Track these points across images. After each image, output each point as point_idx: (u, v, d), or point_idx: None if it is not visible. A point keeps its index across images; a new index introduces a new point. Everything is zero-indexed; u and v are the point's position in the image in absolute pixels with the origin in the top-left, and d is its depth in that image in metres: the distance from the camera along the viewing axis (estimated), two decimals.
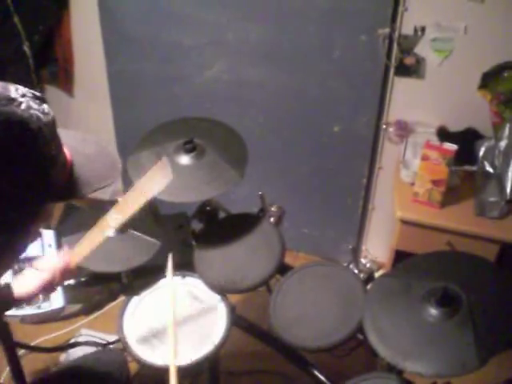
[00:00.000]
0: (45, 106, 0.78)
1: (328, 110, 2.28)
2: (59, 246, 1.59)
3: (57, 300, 2.19)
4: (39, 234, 0.88)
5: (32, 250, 1.84)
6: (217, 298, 1.54)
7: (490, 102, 2.01)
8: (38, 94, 0.79)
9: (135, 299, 1.55)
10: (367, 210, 2.49)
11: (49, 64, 2.66)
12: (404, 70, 2.07)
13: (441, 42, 1.98)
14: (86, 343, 1.78)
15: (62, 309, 2.23)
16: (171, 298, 1.43)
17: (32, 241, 0.86)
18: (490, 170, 1.97)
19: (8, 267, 0.88)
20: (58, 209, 2.28)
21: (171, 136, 1.65)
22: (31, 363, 2.04)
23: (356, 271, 1.52)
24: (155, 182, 1.21)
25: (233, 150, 1.64)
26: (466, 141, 2.04)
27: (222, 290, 1.54)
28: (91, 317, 2.32)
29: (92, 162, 0.90)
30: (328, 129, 2.31)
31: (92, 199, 1.11)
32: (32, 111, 0.74)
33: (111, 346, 1.58)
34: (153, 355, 1.40)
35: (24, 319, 2.12)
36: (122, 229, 1.41)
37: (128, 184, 1.26)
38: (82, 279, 1.91)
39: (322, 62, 2.17)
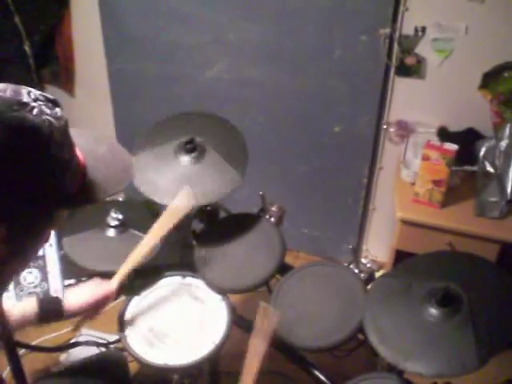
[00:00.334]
0: (57, 109, 0.77)
1: (328, 110, 2.28)
2: (60, 246, 1.59)
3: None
4: (49, 239, 0.87)
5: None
6: (217, 297, 1.54)
7: (490, 102, 2.01)
8: (50, 97, 0.77)
9: (136, 299, 1.55)
10: (368, 210, 2.49)
11: (49, 63, 2.66)
12: (405, 70, 2.07)
13: (441, 42, 1.98)
14: (87, 343, 1.77)
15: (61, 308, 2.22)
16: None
17: (43, 245, 0.86)
18: (491, 170, 1.97)
19: (19, 271, 0.88)
20: None
21: (171, 135, 1.65)
22: (31, 363, 2.04)
23: (356, 271, 1.52)
24: (180, 208, 1.43)
25: (233, 150, 1.64)
26: (467, 141, 2.04)
27: (222, 290, 1.54)
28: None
29: (105, 164, 0.89)
30: (328, 129, 2.31)
31: None
32: (44, 116, 0.73)
33: (112, 347, 1.58)
34: (153, 355, 1.40)
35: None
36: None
37: (129, 183, 1.26)
38: (82, 279, 1.91)
39: (322, 62, 2.17)
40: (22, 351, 1.95)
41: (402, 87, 2.12)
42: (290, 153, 2.46)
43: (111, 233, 1.58)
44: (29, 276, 1.60)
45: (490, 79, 1.97)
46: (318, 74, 2.21)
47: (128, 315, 1.50)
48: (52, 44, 2.59)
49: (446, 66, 2.02)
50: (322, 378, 1.53)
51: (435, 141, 1.99)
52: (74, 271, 1.73)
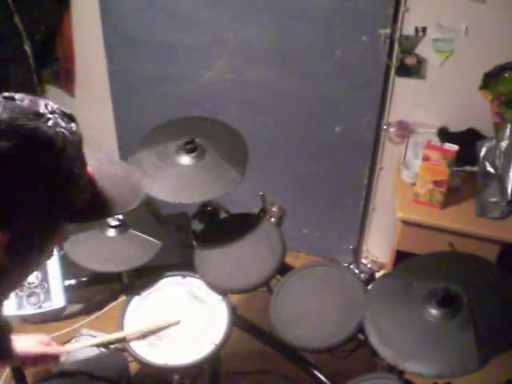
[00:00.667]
0: (73, 124, 0.76)
1: (329, 111, 2.28)
2: (60, 246, 1.59)
3: (58, 300, 2.19)
4: (53, 254, 0.86)
5: None
6: (217, 298, 1.54)
7: (491, 103, 2.01)
8: (67, 111, 0.77)
9: (136, 299, 1.55)
10: (368, 211, 2.49)
11: (50, 64, 2.66)
12: (405, 71, 2.07)
13: (442, 42, 1.97)
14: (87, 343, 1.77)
15: (63, 309, 2.23)
16: None
17: (46, 259, 0.85)
18: (491, 170, 1.97)
19: (18, 285, 0.87)
20: None
21: (172, 136, 1.65)
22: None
23: (357, 271, 1.52)
24: None
25: (233, 150, 1.64)
26: (467, 141, 2.04)
27: (222, 290, 1.54)
28: (92, 317, 2.32)
29: (115, 185, 0.88)
30: (329, 129, 2.30)
31: None
32: (59, 129, 0.72)
33: (112, 347, 1.58)
34: (153, 355, 1.40)
35: (25, 319, 2.12)
36: None
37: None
38: (83, 279, 1.91)
39: (322, 63, 2.17)
40: None
41: (402, 87, 2.12)
42: (291, 153, 2.46)
43: (111, 233, 1.58)
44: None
45: (490, 79, 1.97)
46: (319, 74, 2.20)
47: (129, 315, 1.50)
48: (52, 44, 2.59)
49: (447, 66, 2.02)
50: (322, 378, 1.53)
51: (436, 141, 1.99)
52: (73, 271, 1.73)
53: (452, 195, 1.99)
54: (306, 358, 1.58)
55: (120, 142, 2.74)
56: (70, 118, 0.77)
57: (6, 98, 0.72)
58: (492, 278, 1.30)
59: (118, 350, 1.49)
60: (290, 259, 1.64)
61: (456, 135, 2.09)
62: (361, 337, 1.37)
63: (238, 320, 1.60)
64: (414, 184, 2.04)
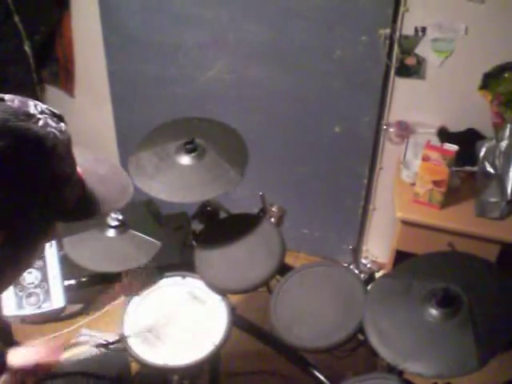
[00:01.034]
0: (62, 124, 0.77)
1: (329, 111, 2.28)
2: (60, 246, 1.59)
3: (57, 300, 2.19)
4: (44, 252, 0.86)
5: None
6: (217, 298, 1.54)
7: (490, 103, 2.01)
8: (56, 112, 0.78)
9: (136, 299, 1.55)
10: (368, 211, 2.49)
11: (49, 64, 2.66)
12: (405, 71, 2.07)
13: (441, 42, 1.97)
14: (87, 343, 1.77)
15: (63, 309, 2.23)
16: None
17: (37, 258, 0.86)
18: (491, 170, 1.97)
19: (10, 283, 0.87)
20: None
21: (172, 136, 1.65)
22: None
23: (356, 271, 1.52)
24: None
25: (233, 150, 1.64)
26: (467, 141, 2.04)
27: (222, 291, 1.54)
28: (92, 317, 2.32)
29: (104, 184, 0.89)
30: (329, 129, 2.31)
31: None
32: (49, 129, 0.73)
33: (112, 347, 1.58)
34: (153, 355, 1.40)
35: (24, 319, 2.12)
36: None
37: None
38: (83, 279, 1.91)
39: (322, 63, 2.17)
40: None
41: (402, 88, 2.12)
42: (290, 153, 2.46)
43: (111, 233, 1.58)
44: (29, 276, 1.61)
45: (490, 80, 1.97)
46: (318, 74, 2.21)
47: (128, 315, 1.50)
48: (52, 44, 2.59)
49: (446, 66, 2.02)
50: (322, 378, 1.53)
51: (435, 141, 1.99)
52: (73, 271, 1.73)
53: (452, 195, 1.99)
54: (306, 358, 1.58)
55: (120, 142, 2.74)
56: (59, 118, 0.78)
57: None
58: (492, 278, 1.30)
59: (118, 350, 1.49)
60: (289, 259, 1.64)
61: (456, 135, 2.09)
62: (360, 337, 1.37)
63: (237, 320, 1.60)
64: (413, 184, 2.04)
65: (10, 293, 1.56)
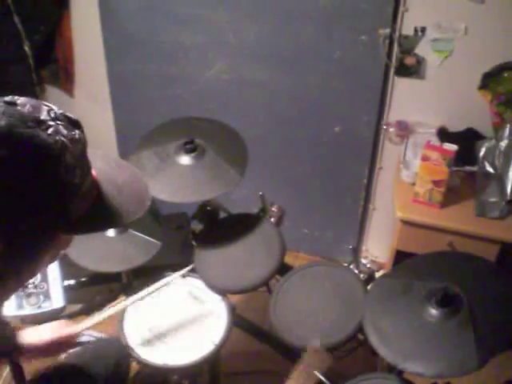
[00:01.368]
0: (76, 131, 0.74)
1: (328, 110, 2.28)
2: None
3: (57, 300, 2.19)
4: (53, 261, 0.83)
5: None
6: (217, 298, 1.54)
7: (490, 103, 2.01)
8: (72, 117, 0.75)
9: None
10: (367, 210, 2.49)
11: (49, 64, 2.66)
12: (404, 71, 2.07)
13: (441, 42, 1.97)
14: (87, 343, 1.78)
15: (63, 309, 2.23)
16: None
17: (43, 268, 0.82)
18: (491, 170, 1.97)
19: (12, 293, 0.85)
20: None
21: (172, 136, 1.65)
22: (31, 363, 2.03)
23: (356, 271, 1.52)
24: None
25: (233, 150, 1.64)
26: (467, 141, 2.04)
27: (222, 290, 1.54)
28: (92, 316, 2.32)
29: (122, 193, 0.85)
30: (328, 129, 2.31)
31: None
32: (58, 137, 0.70)
33: (107, 336, 1.56)
34: (153, 355, 1.40)
35: (24, 319, 2.12)
36: None
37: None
38: (83, 279, 1.91)
39: (322, 62, 2.17)
40: None
41: (401, 87, 2.12)
42: (290, 153, 2.46)
43: (111, 233, 1.59)
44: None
45: (489, 79, 1.97)
46: (318, 74, 2.21)
47: (128, 315, 1.50)
48: (52, 44, 2.59)
49: (446, 66, 2.02)
50: (322, 378, 1.53)
51: (435, 141, 1.99)
52: (73, 271, 1.73)
53: (451, 195, 1.99)
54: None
55: (120, 142, 2.74)
56: (75, 125, 0.75)
57: (7, 102, 0.70)
58: (491, 278, 1.30)
59: (114, 338, 1.47)
60: (289, 259, 1.65)
61: (455, 135, 2.09)
62: (360, 337, 1.37)
63: (237, 320, 1.60)
64: (413, 184, 2.04)
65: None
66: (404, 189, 2.09)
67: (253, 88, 2.33)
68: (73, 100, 2.75)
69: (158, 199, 1.54)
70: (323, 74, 2.19)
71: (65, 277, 1.72)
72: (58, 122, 0.72)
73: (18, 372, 1.46)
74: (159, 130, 1.73)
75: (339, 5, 2.02)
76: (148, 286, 1.47)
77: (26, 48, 2.51)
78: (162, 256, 1.58)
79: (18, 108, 0.70)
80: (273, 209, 1.70)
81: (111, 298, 2.34)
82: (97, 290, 2.37)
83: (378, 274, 1.53)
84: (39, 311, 2.17)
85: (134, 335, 1.45)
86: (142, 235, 1.59)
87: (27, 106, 0.70)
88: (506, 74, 1.94)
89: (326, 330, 1.39)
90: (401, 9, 1.94)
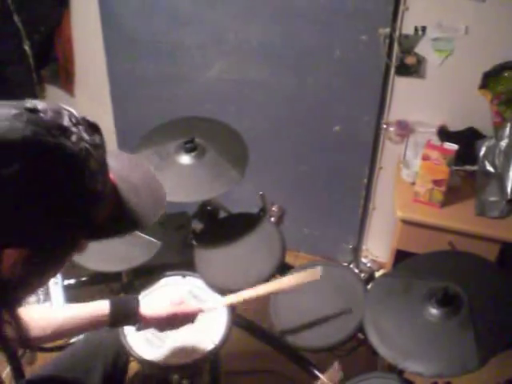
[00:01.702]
0: (96, 136, 0.74)
1: (329, 110, 2.28)
2: None
3: (57, 299, 2.19)
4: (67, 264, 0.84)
5: None
6: (217, 297, 1.54)
7: (490, 102, 2.01)
8: (91, 121, 0.75)
9: None
10: (368, 210, 2.49)
11: (49, 63, 2.66)
12: (405, 70, 2.07)
13: (442, 41, 1.97)
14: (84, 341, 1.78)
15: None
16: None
17: (60, 270, 0.84)
18: (491, 169, 1.97)
19: (33, 293, 0.86)
20: None
21: (172, 136, 1.65)
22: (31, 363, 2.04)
23: (357, 271, 1.52)
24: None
25: (233, 149, 1.64)
26: (467, 140, 2.04)
27: (222, 290, 1.54)
28: None
29: (138, 195, 0.85)
30: (329, 128, 2.31)
31: None
32: (82, 144, 0.71)
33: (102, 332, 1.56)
34: (153, 355, 1.40)
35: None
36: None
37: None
38: (83, 278, 1.91)
39: (322, 62, 2.17)
40: (22, 351, 1.95)
41: (402, 87, 2.12)
42: (290, 153, 2.46)
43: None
44: None
45: (490, 79, 1.97)
46: (318, 73, 2.21)
47: None
48: (52, 44, 2.59)
49: (447, 65, 2.02)
50: (323, 377, 1.53)
51: (435, 140, 1.99)
52: (74, 271, 1.73)
53: (452, 194, 1.99)
54: (306, 358, 1.58)
55: (120, 142, 2.74)
56: (94, 129, 0.75)
57: (29, 110, 0.69)
58: (491, 278, 1.30)
59: (110, 332, 1.47)
60: (289, 259, 1.64)
61: (456, 134, 2.09)
62: (361, 336, 1.37)
63: (237, 319, 1.60)
64: (413, 183, 2.04)
65: None
66: (404, 188, 2.09)
67: (253, 88, 2.33)
68: (73, 99, 2.75)
69: None
70: (323, 73, 2.19)
71: (65, 276, 1.71)
72: (80, 128, 0.72)
73: (18, 373, 1.46)
74: (159, 129, 1.73)
75: (339, 4, 2.02)
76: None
77: (26, 47, 2.51)
78: (163, 255, 1.58)
79: (41, 115, 0.69)
80: (273, 208, 1.70)
81: (111, 297, 2.34)
82: (97, 289, 2.37)
83: (378, 274, 1.53)
84: None
85: (134, 334, 1.45)
86: (143, 235, 1.59)
87: (49, 113, 0.70)
88: (506, 74, 1.94)
89: (326, 329, 1.39)
90: (401, 8, 1.94)
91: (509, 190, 1.91)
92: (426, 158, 1.92)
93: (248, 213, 1.72)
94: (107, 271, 1.60)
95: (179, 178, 1.58)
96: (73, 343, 1.53)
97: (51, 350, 1.94)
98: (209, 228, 1.73)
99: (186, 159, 1.59)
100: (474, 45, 1.94)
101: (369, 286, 1.46)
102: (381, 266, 1.56)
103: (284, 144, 2.44)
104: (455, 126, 2.11)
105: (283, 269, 1.58)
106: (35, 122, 0.67)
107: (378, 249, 2.55)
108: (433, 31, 1.96)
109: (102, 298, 1.28)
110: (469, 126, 2.09)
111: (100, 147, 0.75)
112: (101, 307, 1.23)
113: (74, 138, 0.70)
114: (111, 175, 0.81)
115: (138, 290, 1.55)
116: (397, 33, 1.99)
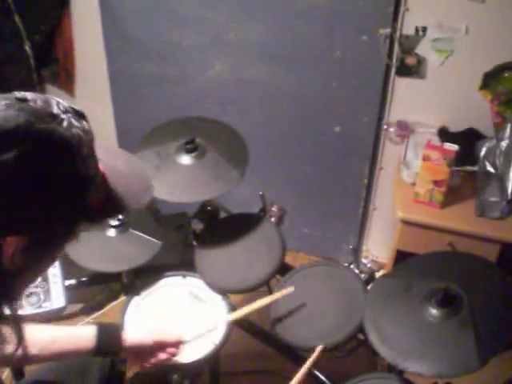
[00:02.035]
0: (84, 122, 0.76)
1: (329, 110, 2.28)
2: None
3: (58, 299, 2.19)
4: (63, 253, 0.86)
5: None
6: (217, 297, 1.54)
7: (490, 102, 2.01)
8: (78, 109, 0.76)
9: (136, 299, 1.55)
10: (368, 210, 2.49)
11: (50, 64, 2.66)
12: (405, 70, 2.07)
13: (442, 42, 1.97)
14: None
15: (63, 308, 2.23)
16: None
17: (57, 259, 0.84)
18: (491, 170, 1.97)
19: (31, 283, 0.87)
20: None
21: (172, 136, 1.65)
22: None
23: (357, 271, 1.52)
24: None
25: (233, 149, 1.64)
26: (467, 141, 2.04)
27: (222, 290, 1.54)
28: (92, 316, 2.32)
29: (126, 180, 0.87)
30: (329, 129, 2.31)
31: None
32: (74, 130, 0.72)
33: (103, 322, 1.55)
34: None
35: (25, 319, 2.12)
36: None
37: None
38: (83, 279, 1.91)
39: (323, 62, 2.17)
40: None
41: (402, 87, 2.12)
42: (291, 153, 2.46)
43: (111, 233, 1.58)
44: None
45: (490, 79, 1.97)
46: (319, 74, 2.21)
47: (129, 315, 1.50)
48: (52, 44, 2.59)
49: (447, 65, 2.02)
50: (322, 377, 1.53)
51: (436, 141, 1.99)
52: (73, 271, 1.73)
53: (452, 195, 1.99)
54: (306, 358, 1.57)
55: (120, 142, 2.74)
56: (81, 116, 0.76)
57: (19, 99, 0.70)
58: (492, 278, 1.30)
59: (110, 323, 1.47)
60: (289, 259, 1.64)
61: (456, 135, 2.09)
62: (361, 336, 1.37)
63: (238, 320, 1.60)
64: (414, 184, 2.04)
65: None
66: (404, 189, 2.09)
67: (253, 88, 2.33)
68: (73, 100, 2.75)
69: (158, 199, 1.54)
70: (324, 73, 2.19)
71: (65, 277, 1.71)
72: (69, 115, 0.73)
73: (18, 373, 1.46)
74: (159, 129, 1.72)
75: (340, 4, 2.02)
76: None
77: (27, 48, 2.51)
78: (163, 256, 1.58)
79: (31, 104, 0.70)
80: (273, 209, 1.70)
81: (112, 297, 2.35)
82: (97, 289, 2.37)
83: (378, 274, 1.53)
84: (39, 311, 2.17)
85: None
86: (143, 235, 1.59)
87: (38, 101, 0.71)
88: (506, 74, 1.94)
89: (326, 329, 1.39)
90: (402, 8, 1.94)
91: (509, 190, 1.91)
92: (426, 158, 1.92)
93: (248, 213, 1.72)
94: (107, 271, 1.60)
95: (179, 179, 1.58)
96: None
97: None
98: (209, 228, 1.73)
99: (186, 159, 1.59)
100: (474, 45, 1.94)
101: (369, 287, 1.46)
102: (381, 267, 1.56)
103: (284, 144, 2.44)
104: (455, 126, 2.11)
105: (283, 269, 1.57)
106: (27, 110, 0.69)
107: (378, 249, 2.55)
108: (433, 32, 1.96)
109: (102, 298, 1.28)
110: (469, 127, 2.09)
111: (89, 133, 0.76)
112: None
113: (65, 123, 0.71)
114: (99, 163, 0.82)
115: (138, 290, 1.55)
116: (397, 33, 1.99)
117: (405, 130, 2.17)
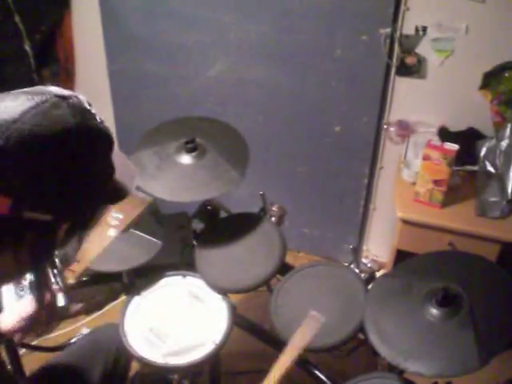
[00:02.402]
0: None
1: (329, 110, 2.28)
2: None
3: (58, 299, 2.19)
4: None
5: None
6: (218, 297, 1.54)
7: (490, 102, 2.01)
8: (87, 100, 0.79)
9: (136, 299, 1.55)
10: (368, 210, 2.49)
11: (50, 64, 2.66)
12: (405, 70, 2.07)
13: (442, 41, 1.97)
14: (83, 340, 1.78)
15: (63, 308, 2.23)
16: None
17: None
18: (492, 169, 1.97)
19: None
20: None
21: (172, 136, 1.65)
22: (32, 363, 2.04)
23: (357, 271, 1.52)
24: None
25: (234, 149, 1.64)
26: (467, 141, 2.04)
27: (222, 290, 1.54)
28: (92, 316, 2.32)
29: (119, 168, 0.91)
30: (329, 129, 2.31)
31: None
32: (104, 123, 0.76)
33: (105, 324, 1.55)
34: (153, 355, 1.40)
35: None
36: None
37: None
38: (84, 279, 1.91)
39: (323, 62, 2.17)
40: (22, 351, 1.95)
41: (402, 87, 2.12)
42: (291, 153, 2.46)
43: (111, 233, 1.58)
44: (29, 275, 1.60)
45: (490, 79, 1.97)
46: (319, 73, 2.21)
47: (129, 315, 1.50)
48: (53, 44, 2.59)
49: (447, 65, 2.02)
50: (323, 377, 1.53)
51: (436, 140, 1.99)
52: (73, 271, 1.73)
53: (452, 195, 1.99)
54: (306, 358, 1.58)
55: (120, 142, 2.74)
56: (91, 106, 0.80)
57: (63, 97, 0.72)
58: (492, 278, 1.30)
59: (110, 331, 1.47)
60: (290, 259, 1.64)
61: (456, 134, 2.09)
62: (361, 336, 1.37)
63: (238, 319, 1.60)
64: (414, 183, 2.04)
65: (10, 292, 1.56)
66: (405, 188, 2.09)
67: (253, 87, 2.33)
68: None
69: (158, 199, 1.55)
70: (324, 73, 2.19)
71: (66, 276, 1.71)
72: (94, 110, 0.77)
73: (18, 373, 1.46)
74: (159, 129, 1.72)
75: (340, 4, 2.02)
76: None
77: (27, 47, 2.51)
78: (163, 255, 1.58)
79: (71, 101, 0.73)
80: (273, 208, 1.70)
81: (112, 297, 2.35)
82: (98, 289, 2.37)
83: (378, 274, 1.53)
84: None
85: (135, 334, 1.45)
86: (143, 235, 1.59)
87: (73, 98, 0.74)
88: (506, 74, 1.94)
89: (326, 329, 1.39)
90: (402, 8, 1.94)
91: (509, 190, 1.91)
92: (426, 158, 1.92)
93: (248, 213, 1.72)
94: (107, 271, 1.60)
95: (179, 178, 1.58)
96: (73, 343, 1.54)
97: (52, 349, 1.94)
98: (209, 228, 1.73)
99: (186, 159, 1.59)
100: (473, 45, 1.94)
101: (369, 286, 1.46)
102: (381, 266, 1.56)
103: (284, 144, 2.44)
104: (456, 126, 2.11)
105: (283, 269, 1.58)
106: (75, 108, 0.72)
107: (378, 249, 2.55)
108: (433, 31, 1.96)
109: (102, 298, 1.27)
110: (469, 126, 2.09)
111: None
112: None
113: (98, 118, 0.75)
114: None
115: (138, 290, 1.55)
116: (397, 33, 1.99)
117: (405, 129, 2.17)
